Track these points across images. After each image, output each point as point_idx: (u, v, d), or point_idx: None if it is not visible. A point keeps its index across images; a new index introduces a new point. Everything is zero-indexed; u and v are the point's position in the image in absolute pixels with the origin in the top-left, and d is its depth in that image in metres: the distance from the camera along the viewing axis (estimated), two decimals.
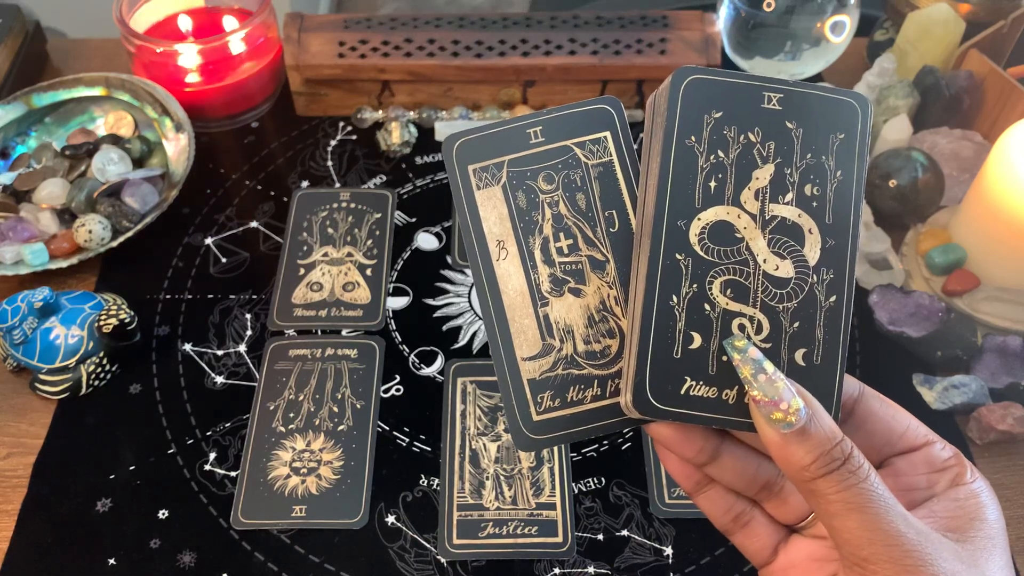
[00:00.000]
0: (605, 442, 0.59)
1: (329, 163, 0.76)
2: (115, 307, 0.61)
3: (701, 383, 0.32)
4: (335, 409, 0.60)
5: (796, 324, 0.33)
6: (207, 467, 0.57)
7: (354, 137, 0.78)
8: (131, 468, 0.57)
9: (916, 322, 0.62)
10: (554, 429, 0.35)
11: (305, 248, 0.69)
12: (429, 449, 0.58)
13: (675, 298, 0.33)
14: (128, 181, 0.69)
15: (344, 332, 0.65)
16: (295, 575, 0.53)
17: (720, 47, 0.77)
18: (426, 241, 0.70)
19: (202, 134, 0.77)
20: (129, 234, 0.66)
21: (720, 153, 0.34)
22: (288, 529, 0.55)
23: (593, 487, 0.57)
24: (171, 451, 0.58)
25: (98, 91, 0.75)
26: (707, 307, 0.33)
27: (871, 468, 0.30)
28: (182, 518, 0.55)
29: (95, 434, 0.59)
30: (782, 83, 0.34)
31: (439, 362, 0.63)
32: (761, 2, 0.75)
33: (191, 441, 0.59)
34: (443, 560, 0.53)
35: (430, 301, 0.67)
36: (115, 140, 0.73)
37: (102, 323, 0.60)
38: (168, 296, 0.67)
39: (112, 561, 0.53)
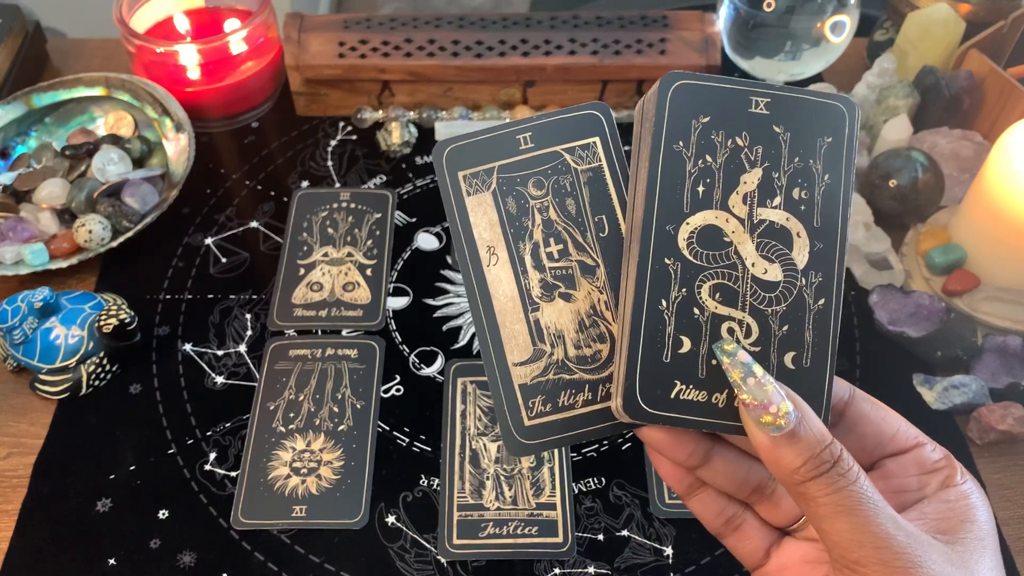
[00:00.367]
0: (605, 442, 0.59)
1: (329, 163, 0.76)
2: (115, 307, 0.61)
3: (691, 387, 0.32)
4: (335, 409, 0.60)
5: (785, 327, 0.33)
6: (207, 467, 0.57)
7: (354, 137, 0.78)
8: (131, 468, 0.57)
9: (916, 322, 0.62)
10: (546, 434, 0.35)
11: (305, 248, 0.69)
12: (429, 449, 0.59)
13: (664, 302, 0.33)
14: (128, 181, 0.69)
15: (344, 332, 0.65)
16: (295, 575, 0.53)
17: (720, 47, 0.77)
18: (426, 241, 0.70)
19: (202, 134, 0.77)
20: (129, 234, 0.66)
21: (708, 158, 0.34)
22: (288, 529, 0.55)
23: (593, 487, 0.57)
24: (171, 451, 0.58)
25: (98, 91, 0.75)
26: (696, 311, 0.33)
27: (860, 471, 0.30)
28: (182, 518, 0.55)
29: (95, 434, 0.59)
30: (769, 87, 0.35)
31: (439, 362, 0.63)
32: (761, 2, 0.75)
33: (191, 441, 0.59)
34: (443, 560, 0.53)
35: (430, 301, 0.67)
36: (115, 140, 0.73)
37: (102, 323, 0.60)
38: (168, 296, 0.67)
39: (112, 561, 0.53)
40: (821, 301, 0.34)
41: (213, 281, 0.68)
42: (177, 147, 0.72)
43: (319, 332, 0.65)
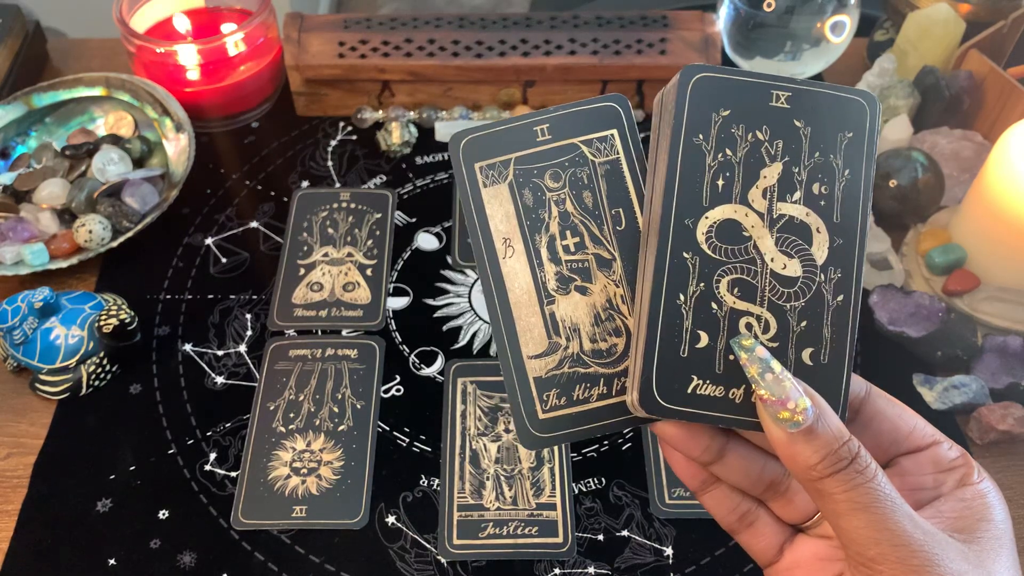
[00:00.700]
0: (605, 442, 0.59)
1: (329, 163, 0.76)
2: (115, 307, 0.61)
3: (708, 382, 0.32)
4: (335, 409, 0.60)
5: (803, 323, 0.33)
6: (207, 467, 0.57)
7: (354, 137, 0.78)
8: (131, 468, 0.57)
9: (916, 322, 0.62)
10: (560, 427, 0.35)
11: (305, 248, 0.69)
12: (429, 449, 0.58)
13: (682, 297, 0.33)
14: (128, 181, 0.69)
15: (344, 332, 0.65)
16: (295, 575, 0.53)
17: (720, 47, 0.77)
18: (426, 241, 0.70)
19: (202, 134, 0.77)
20: (129, 234, 0.66)
21: (728, 151, 0.34)
22: (288, 529, 0.55)
23: (593, 487, 0.57)
24: (171, 451, 0.58)
25: (98, 91, 0.75)
26: (714, 306, 0.33)
27: (878, 468, 0.30)
28: (182, 518, 0.55)
29: (95, 434, 0.59)
30: (790, 81, 0.34)
31: (439, 362, 0.63)
32: (761, 2, 0.75)
33: (191, 441, 0.59)
34: (443, 560, 0.53)
35: (430, 301, 0.67)
36: (115, 140, 0.73)
37: (102, 323, 0.60)
38: (168, 296, 0.67)
39: (112, 561, 0.53)
40: (840, 297, 0.33)
41: (213, 281, 0.68)
42: (177, 147, 0.72)
43: (319, 332, 0.65)
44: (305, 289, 0.67)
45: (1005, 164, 0.60)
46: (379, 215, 0.72)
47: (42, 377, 0.60)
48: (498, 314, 0.35)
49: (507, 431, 0.59)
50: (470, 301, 0.67)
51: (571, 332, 0.35)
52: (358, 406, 0.60)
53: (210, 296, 0.67)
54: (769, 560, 0.36)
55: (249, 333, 0.64)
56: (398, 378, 0.62)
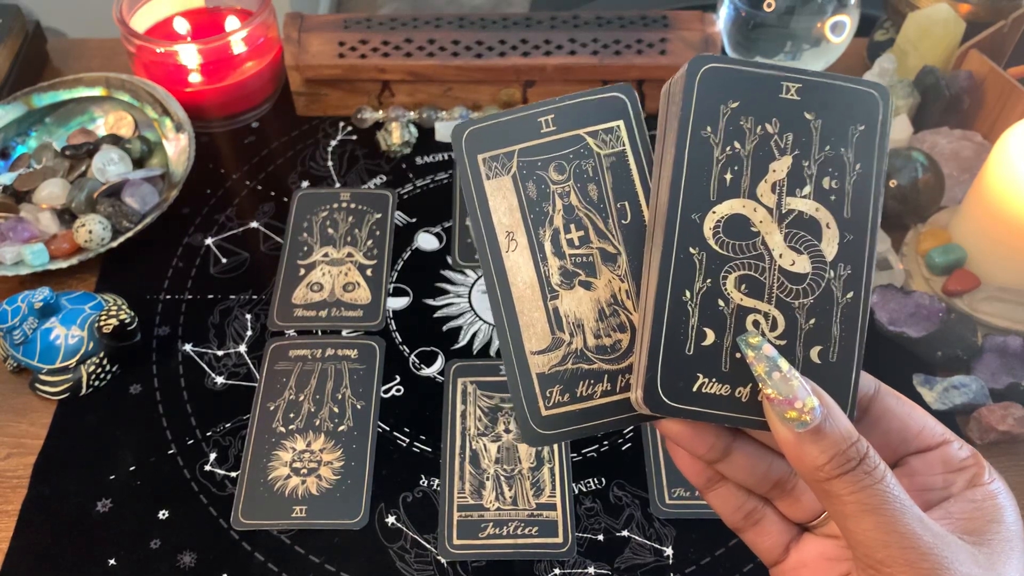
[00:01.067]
0: (605, 442, 0.59)
1: (329, 163, 0.76)
2: (115, 307, 0.61)
3: (714, 380, 0.32)
4: (335, 409, 0.60)
5: (812, 321, 0.32)
6: (207, 467, 0.57)
7: (354, 137, 0.78)
8: (131, 468, 0.57)
9: (916, 322, 0.62)
10: (563, 424, 0.34)
11: (305, 248, 0.69)
12: (429, 449, 0.58)
13: (688, 293, 0.32)
14: (128, 181, 0.69)
15: (344, 332, 0.65)
16: (295, 575, 0.53)
17: (720, 47, 0.77)
18: (426, 241, 0.70)
19: (202, 134, 0.77)
20: (129, 234, 0.66)
21: (736, 144, 0.33)
22: (288, 529, 0.55)
23: (593, 487, 0.57)
24: (171, 451, 0.58)
25: (98, 91, 0.75)
26: (721, 303, 0.32)
27: (887, 468, 0.30)
28: (182, 518, 0.55)
29: (95, 434, 0.59)
30: (801, 72, 0.33)
31: (439, 362, 0.63)
32: (761, 2, 0.75)
33: (191, 441, 0.59)
34: (443, 560, 0.53)
35: (430, 301, 0.67)
36: (115, 140, 0.73)
37: (102, 323, 0.60)
38: (168, 296, 0.67)
39: (112, 561, 0.53)
40: (850, 294, 0.33)
41: (213, 281, 0.68)
42: (177, 147, 0.72)
43: (319, 332, 0.65)
44: (305, 289, 0.67)
45: (1005, 164, 0.60)
46: (379, 215, 0.72)
47: (42, 377, 0.60)
48: (500, 309, 0.35)
49: (507, 431, 0.59)
50: (470, 301, 0.67)
51: (575, 327, 0.35)
52: (358, 406, 0.60)
53: (210, 296, 0.67)
54: (775, 559, 0.35)
55: (249, 333, 0.64)
56: (398, 378, 0.62)
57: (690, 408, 0.32)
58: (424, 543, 0.54)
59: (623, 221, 0.35)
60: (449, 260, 0.69)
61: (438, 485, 0.57)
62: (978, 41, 0.73)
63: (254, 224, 0.71)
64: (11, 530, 0.54)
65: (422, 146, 0.77)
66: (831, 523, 0.35)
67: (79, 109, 0.77)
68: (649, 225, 0.35)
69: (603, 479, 0.57)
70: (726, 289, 0.32)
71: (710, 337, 0.32)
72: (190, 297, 0.67)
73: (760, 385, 0.31)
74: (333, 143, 0.78)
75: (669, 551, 0.54)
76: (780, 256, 0.33)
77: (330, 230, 0.71)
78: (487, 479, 0.57)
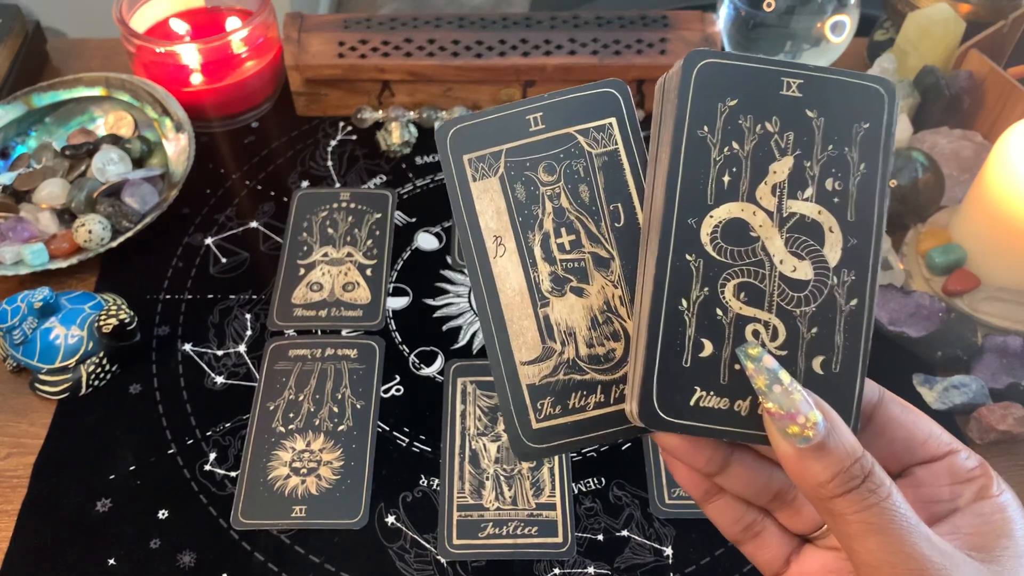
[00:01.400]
0: None
1: (329, 163, 0.76)
2: (115, 307, 0.61)
3: (712, 393, 0.30)
4: (335, 409, 0.60)
5: (814, 330, 0.31)
6: (207, 467, 0.57)
7: (354, 137, 0.78)
8: (131, 468, 0.57)
9: (916, 322, 0.62)
10: (554, 437, 0.33)
11: (305, 248, 0.69)
12: (429, 449, 0.58)
13: (685, 302, 0.30)
14: (128, 181, 0.69)
15: (344, 332, 0.65)
16: (295, 575, 0.53)
17: (720, 47, 0.77)
18: (426, 241, 0.70)
19: (202, 134, 0.77)
20: (129, 234, 0.66)
21: (735, 144, 0.31)
22: (288, 529, 0.55)
23: (593, 487, 0.57)
24: (171, 451, 0.58)
25: (98, 91, 0.75)
26: (719, 312, 0.30)
27: (893, 485, 0.28)
28: (182, 518, 0.55)
29: (95, 434, 0.59)
30: (802, 67, 0.31)
31: (439, 362, 0.63)
32: (761, 2, 0.75)
33: (191, 441, 0.59)
34: (443, 560, 0.53)
35: (430, 301, 0.67)
36: (115, 140, 0.73)
37: (102, 323, 0.60)
38: (168, 296, 0.67)
39: (112, 561, 0.53)
40: (853, 302, 0.31)
41: (213, 281, 0.68)
42: (177, 147, 0.72)
43: (319, 332, 0.65)
44: (305, 289, 0.67)
45: (1005, 164, 0.60)
46: (379, 215, 0.72)
47: (42, 377, 0.60)
48: (489, 317, 0.33)
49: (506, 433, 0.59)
50: (470, 301, 0.67)
51: (566, 336, 0.33)
52: (358, 406, 0.60)
53: (210, 296, 0.67)
54: (775, 572, 0.34)
55: (249, 333, 0.64)
56: (398, 378, 0.62)
57: (687, 423, 0.30)
58: (424, 543, 0.54)
59: (616, 224, 0.34)
60: (449, 260, 0.69)
61: (438, 485, 0.57)
62: (978, 41, 0.73)
63: (254, 224, 0.71)
64: (11, 530, 0.54)
65: (422, 146, 0.77)
66: (833, 535, 0.34)
67: (79, 109, 0.77)
68: (644, 229, 0.33)
69: (603, 479, 0.57)
70: (724, 297, 0.31)
71: (708, 348, 0.30)
72: (190, 297, 0.67)
73: (760, 399, 0.30)
74: (333, 143, 0.78)
75: (669, 551, 0.54)
76: (781, 262, 0.31)
77: (330, 230, 0.71)
78: (487, 479, 0.57)
